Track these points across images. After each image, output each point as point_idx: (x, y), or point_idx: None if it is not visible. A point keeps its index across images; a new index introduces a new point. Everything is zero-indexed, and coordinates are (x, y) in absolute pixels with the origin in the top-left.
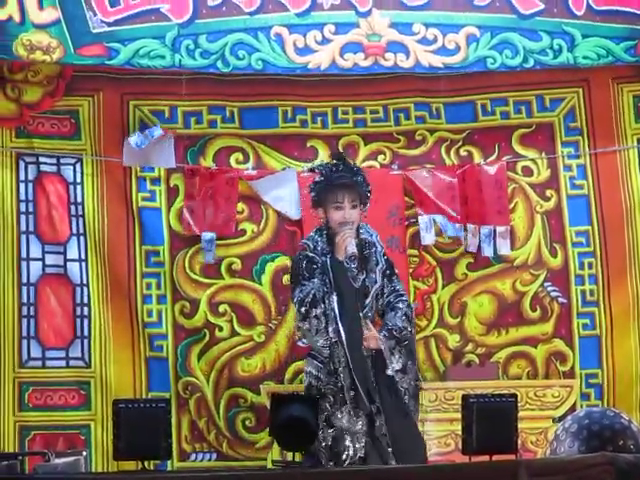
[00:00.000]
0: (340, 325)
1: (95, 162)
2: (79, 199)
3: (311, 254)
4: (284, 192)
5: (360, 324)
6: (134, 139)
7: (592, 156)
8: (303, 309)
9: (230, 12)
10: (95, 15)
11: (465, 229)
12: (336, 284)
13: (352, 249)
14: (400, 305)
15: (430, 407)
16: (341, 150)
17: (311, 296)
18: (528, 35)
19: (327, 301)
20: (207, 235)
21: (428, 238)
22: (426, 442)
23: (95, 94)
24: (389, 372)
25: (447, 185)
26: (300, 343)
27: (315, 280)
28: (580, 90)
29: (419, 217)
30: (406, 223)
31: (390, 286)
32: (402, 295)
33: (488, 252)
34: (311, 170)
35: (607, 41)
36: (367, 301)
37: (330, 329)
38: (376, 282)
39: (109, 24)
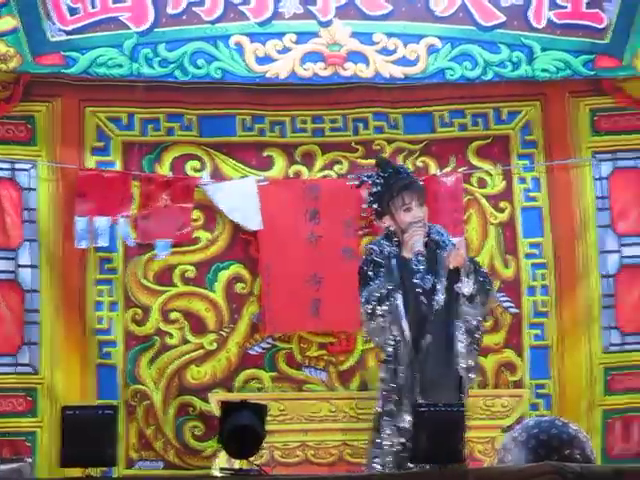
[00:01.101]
0: (404, 323)
1: (50, 168)
2: (33, 205)
3: (377, 258)
4: (241, 202)
5: (426, 323)
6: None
7: (547, 169)
8: (369, 308)
9: (190, 21)
10: (54, 24)
11: None
12: (401, 282)
13: (419, 246)
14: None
15: None
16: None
17: (376, 294)
18: (488, 47)
19: (392, 299)
20: (161, 241)
21: None
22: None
23: (53, 100)
24: (457, 288)
25: None
26: (251, 351)
27: (381, 279)
28: (537, 103)
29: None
30: (360, 233)
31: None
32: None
33: None
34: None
35: (566, 54)
36: (434, 303)
37: (394, 327)
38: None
39: (67, 33)
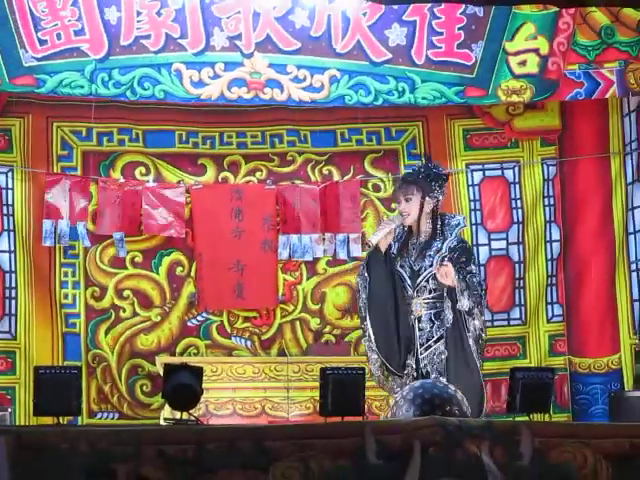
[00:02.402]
0: (367, 306)
1: (24, 172)
2: (10, 201)
3: None
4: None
5: (391, 310)
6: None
7: None
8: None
9: (139, 50)
10: (27, 52)
11: (323, 238)
12: (367, 270)
13: (371, 238)
14: (473, 279)
15: (294, 377)
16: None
17: (360, 285)
18: (378, 79)
19: (359, 279)
20: (117, 235)
21: (284, 254)
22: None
23: (25, 116)
24: (459, 307)
25: (311, 198)
26: (189, 323)
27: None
28: (420, 124)
29: (279, 235)
30: (277, 228)
31: (466, 270)
32: (475, 274)
33: (343, 255)
34: None
35: (441, 86)
36: (418, 280)
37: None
38: (431, 265)
39: (38, 59)
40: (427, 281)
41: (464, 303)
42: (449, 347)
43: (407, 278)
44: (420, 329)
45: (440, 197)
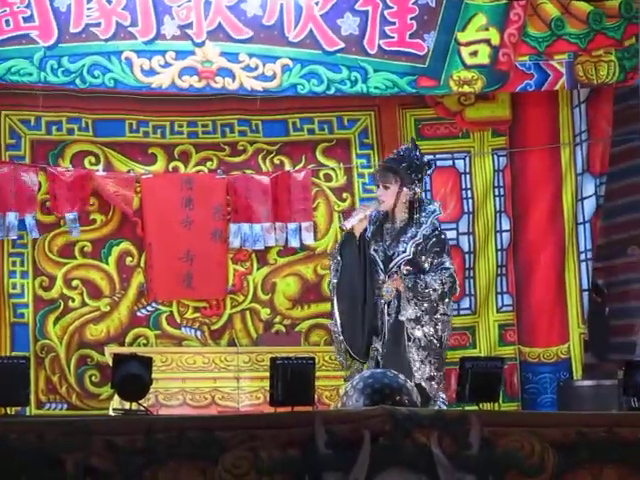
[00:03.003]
0: (335, 289)
1: None
2: None
3: None
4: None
5: (359, 296)
6: None
7: None
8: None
9: (89, 38)
10: None
11: (275, 227)
12: (340, 253)
13: (345, 223)
14: (442, 272)
15: (244, 367)
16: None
17: (332, 268)
18: (331, 68)
19: (335, 261)
20: (70, 215)
21: (235, 242)
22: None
23: None
24: (401, 317)
25: (262, 188)
26: (139, 313)
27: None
28: (372, 113)
29: (230, 224)
30: (228, 218)
31: (437, 260)
32: (447, 267)
33: (295, 244)
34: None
35: (393, 75)
36: (390, 265)
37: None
38: (404, 251)
39: None
40: (399, 267)
41: (408, 312)
42: (385, 350)
43: (380, 262)
44: (388, 314)
45: (418, 189)
